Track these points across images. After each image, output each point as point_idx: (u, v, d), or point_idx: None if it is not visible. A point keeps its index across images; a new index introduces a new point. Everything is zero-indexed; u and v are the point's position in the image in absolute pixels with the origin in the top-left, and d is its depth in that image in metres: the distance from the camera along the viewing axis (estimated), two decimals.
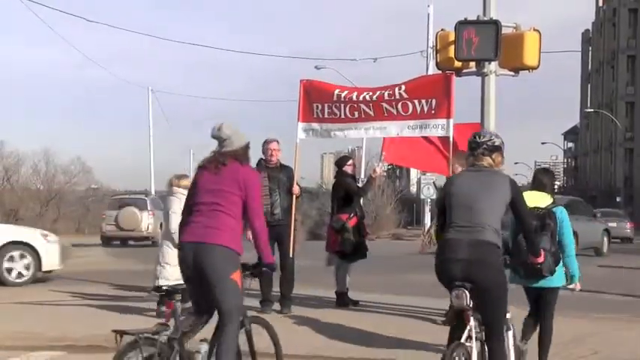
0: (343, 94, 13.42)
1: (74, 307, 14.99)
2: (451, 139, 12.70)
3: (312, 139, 13.98)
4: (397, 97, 12.92)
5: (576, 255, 9.86)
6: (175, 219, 12.63)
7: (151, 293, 13.24)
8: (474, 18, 13.14)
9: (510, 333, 8.32)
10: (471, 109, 14.41)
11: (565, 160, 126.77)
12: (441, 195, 8.22)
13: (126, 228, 38.45)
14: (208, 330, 7.50)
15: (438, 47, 13.74)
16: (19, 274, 17.98)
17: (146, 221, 38.21)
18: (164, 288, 8.15)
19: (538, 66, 13.34)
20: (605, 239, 34.14)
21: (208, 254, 7.41)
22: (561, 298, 10.16)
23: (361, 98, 13.27)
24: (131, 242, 39.14)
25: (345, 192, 14.07)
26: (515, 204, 7.68)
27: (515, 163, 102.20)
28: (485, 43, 12.75)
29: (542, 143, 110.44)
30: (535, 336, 9.51)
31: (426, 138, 13.50)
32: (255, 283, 8.36)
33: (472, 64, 13.34)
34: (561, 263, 9.49)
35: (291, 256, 13.48)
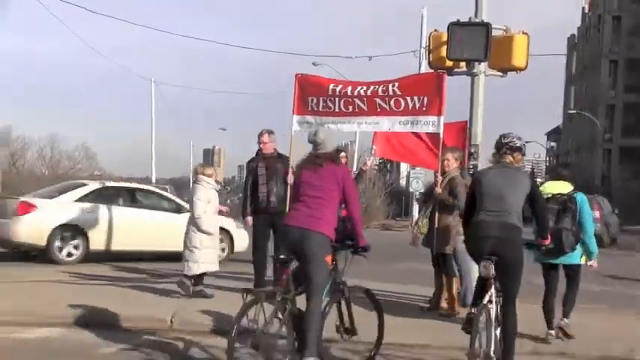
0: (338, 89, 13.35)
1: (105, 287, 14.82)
2: (441, 136, 12.72)
3: (306, 132, 14.05)
4: (390, 93, 12.92)
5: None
6: (200, 205, 13.33)
7: (198, 288, 13.35)
8: (467, 20, 13.21)
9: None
10: (456, 108, 14.52)
11: (547, 159, 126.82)
12: (472, 186, 9.55)
13: None
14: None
15: (430, 47, 13.87)
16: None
17: None
18: (282, 257, 8.83)
19: (526, 67, 13.52)
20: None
21: (310, 239, 8.56)
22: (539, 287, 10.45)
23: (355, 93, 13.22)
24: None
25: None
26: (534, 194, 9.06)
27: None
28: (476, 45, 12.82)
29: (527, 142, 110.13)
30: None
31: (416, 134, 13.51)
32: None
33: (463, 64, 13.39)
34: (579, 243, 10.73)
35: None
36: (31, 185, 47.79)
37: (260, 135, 13.66)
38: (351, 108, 13.31)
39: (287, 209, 13.41)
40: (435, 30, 13.76)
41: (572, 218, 10.62)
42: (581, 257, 10.93)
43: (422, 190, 37.59)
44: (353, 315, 9.28)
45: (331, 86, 13.49)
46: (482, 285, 8.89)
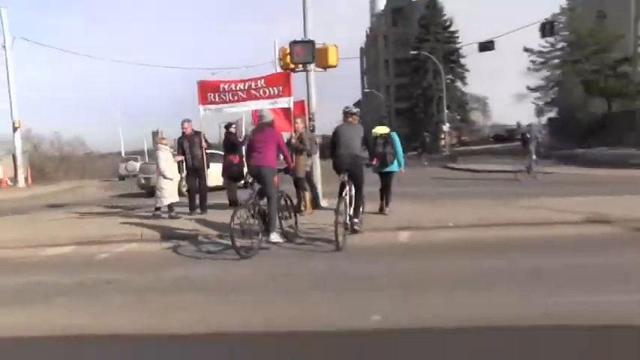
0: (226, 86, 13.45)
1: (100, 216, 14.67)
2: (292, 109, 13.08)
3: (210, 116, 14.28)
4: (259, 85, 13.11)
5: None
6: (163, 162, 13.43)
7: (171, 212, 13.47)
8: (300, 39, 13.57)
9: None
10: (300, 92, 14.87)
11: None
12: (334, 135, 10.69)
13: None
14: None
15: (281, 57, 14.18)
16: None
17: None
18: (252, 181, 9.94)
19: (337, 65, 13.89)
20: None
21: (264, 171, 9.67)
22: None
23: (237, 88, 13.34)
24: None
25: (232, 143, 14.34)
26: (366, 137, 10.51)
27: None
28: (307, 54, 13.24)
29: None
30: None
31: (276, 109, 13.77)
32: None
33: (300, 66, 13.71)
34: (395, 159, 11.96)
35: (206, 183, 13.92)
36: (53, 163, 47.57)
37: (182, 123, 13.90)
38: (236, 97, 13.41)
39: (205, 165, 13.88)
40: (283, 47, 14.03)
41: (391, 147, 11.87)
42: (397, 167, 12.10)
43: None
44: (289, 203, 10.56)
45: (221, 85, 13.59)
46: (342, 186, 10.06)
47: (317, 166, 14.03)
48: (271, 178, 9.74)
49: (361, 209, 10.49)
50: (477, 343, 5.10)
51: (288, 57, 13.52)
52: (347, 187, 10.02)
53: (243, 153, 13.39)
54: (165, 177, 13.50)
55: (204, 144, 13.74)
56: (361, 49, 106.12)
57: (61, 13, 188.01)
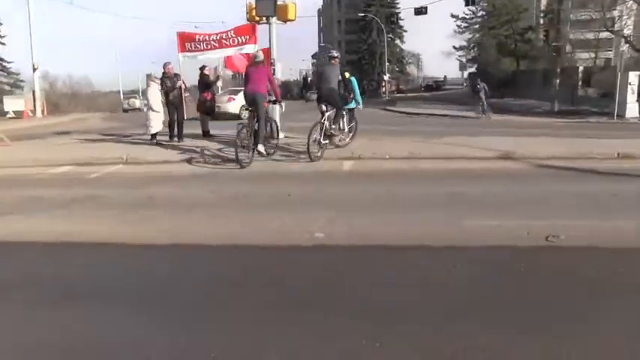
0: (201, 37, 13.32)
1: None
2: (262, 55, 12.79)
3: (187, 62, 13.79)
4: (229, 36, 12.99)
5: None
6: (152, 97, 12.85)
7: (154, 139, 12.94)
8: None
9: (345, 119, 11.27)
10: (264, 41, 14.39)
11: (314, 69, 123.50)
12: (316, 75, 10.90)
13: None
14: None
15: (247, 10, 13.52)
16: None
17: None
18: (247, 107, 10.35)
19: (295, 19, 13.30)
20: None
21: (257, 96, 10.03)
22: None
23: (211, 38, 13.15)
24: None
25: (205, 83, 13.92)
26: (343, 77, 10.74)
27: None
28: (269, 8, 12.60)
29: (303, 60, 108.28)
30: None
31: (242, 54, 13.46)
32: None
33: (264, 18, 13.16)
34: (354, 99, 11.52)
35: (183, 115, 13.26)
36: (65, 99, 47.42)
37: (164, 65, 13.16)
38: (209, 46, 13.19)
39: (183, 100, 13.36)
40: (250, 2, 13.44)
41: (351, 88, 11.36)
42: (355, 105, 11.61)
43: None
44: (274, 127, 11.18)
45: (197, 37, 13.44)
46: (322, 114, 10.38)
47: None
48: (262, 102, 10.14)
49: (349, 128, 11.28)
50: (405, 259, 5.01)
51: (254, 10, 12.94)
52: (326, 115, 10.40)
53: (215, 92, 12.91)
54: (153, 110, 12.99)
55: (181, 83, 13.20)
56: (318, 10, 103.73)
57: None
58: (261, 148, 10.00)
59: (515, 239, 5.26)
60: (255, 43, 12.64)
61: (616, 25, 30.24)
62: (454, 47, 57.93)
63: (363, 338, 3.45)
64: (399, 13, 68.89)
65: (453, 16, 54.68)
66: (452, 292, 4.17)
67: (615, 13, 31.19)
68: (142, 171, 9.92)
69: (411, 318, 3.76)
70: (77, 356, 3.40)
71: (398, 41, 73.60)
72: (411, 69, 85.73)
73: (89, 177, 9.49)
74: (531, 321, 3.68)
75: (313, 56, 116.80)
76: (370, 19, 63.86)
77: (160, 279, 4.60)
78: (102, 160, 10.97)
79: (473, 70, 57.03)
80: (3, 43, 46.87)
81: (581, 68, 32.06)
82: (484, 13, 52.43)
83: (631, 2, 29.47)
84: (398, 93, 59.17)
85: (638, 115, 22.16)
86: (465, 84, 59.79)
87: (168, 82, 13.07)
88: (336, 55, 10.98)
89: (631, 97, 22.29)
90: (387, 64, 57.87)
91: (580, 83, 30.50)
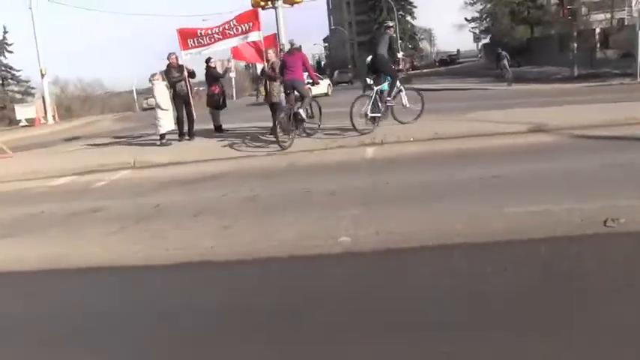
0: (203, 32, 12.58)
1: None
2: (262, 42, 12.11)
3: (192, 59, 13.13)
4: (232, 25, 12.23)
5: None
6: (159, 95, 12.16)
7: (163, 140, 12.30)
8: None
9: (403, 93, 10.92)
10: (270, 27, 13.74)
11: (328, 52, 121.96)
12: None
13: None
14: None
15: None
16: None
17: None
18: (289, 92, 10.50)
19: (301, 2, 13.11)
20: None
21: (298, 82, 10.47)
22: None
23: (214, 32, 12.42)
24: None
25: (213, 76, 13.31)
26: (391, 43, 10.52)
27: None
28: None
29: (314, 44, 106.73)
30: None
31: (249, 43, 12.74)
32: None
33: (270, 3, 12.57)
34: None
35: (193, 112, 12.68)
36: (78, 102, 46.62)
37: (168, 56, 12.62)
38: (212, 40, 12.45)
39: (190, 94, 12.67)
40: None
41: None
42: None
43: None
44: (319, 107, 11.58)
45: (199, 31, 12.67)
46: (367, 88, 10.81)
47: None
48: (302, 85, 10.65)
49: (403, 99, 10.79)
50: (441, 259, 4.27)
51: None
52: (374, 89, 10.39)
53: (223, 85, 12.30)
54: (161, 108, 12.29)
55: (185, 74, 12.54)
56: None
57: None
58: (303, 113, 10.51)
59: (568, 227, 4.53)
60: (259, 29, 11.96)
61: None
62: (466, 19, 56.87)
63: None
64: None
65: None
66: (511, 303, 3.45)
67: None
68: (150, 175, 9.32)
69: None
70: None
71: (409, 17, 72.76)
72: (424, 45, 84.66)
73: (93, 187, 8.91)
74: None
75: (325, 40, 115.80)
76: None
77: (158, 313, 3.87)
78: (107, 166, 10.44)
79: (487, 40, 55.79)
80: (11, 52, 46.54)
81: (597, 30, 31.09)
82: None
83: None
84: (412, 70, 58.06)
85: None
86: (479, 55, 58.38)
87: (175, 71, 12.51)
88: (391, 24, 11.10)
89: None
90: (399, 41, 56.72)
91: (598, 45, 29.46)
